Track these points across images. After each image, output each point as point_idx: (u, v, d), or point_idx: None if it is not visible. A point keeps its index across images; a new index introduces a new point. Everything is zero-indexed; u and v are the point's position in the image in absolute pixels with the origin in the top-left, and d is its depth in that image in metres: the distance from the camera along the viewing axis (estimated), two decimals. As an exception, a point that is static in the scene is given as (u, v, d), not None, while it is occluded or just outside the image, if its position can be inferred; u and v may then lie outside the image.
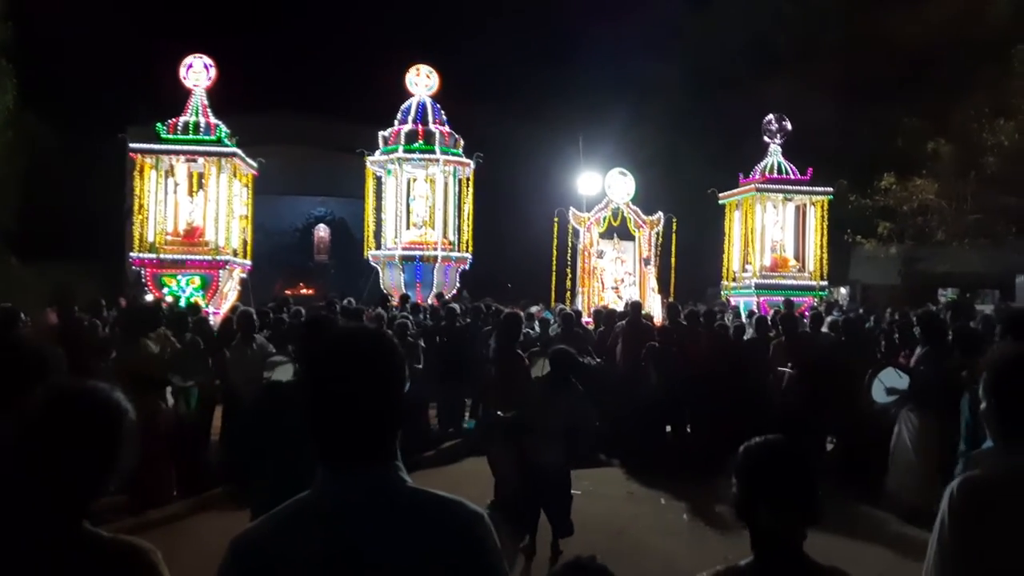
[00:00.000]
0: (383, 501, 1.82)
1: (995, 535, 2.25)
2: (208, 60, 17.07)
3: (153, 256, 16.17)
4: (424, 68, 20.21)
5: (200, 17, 41.00)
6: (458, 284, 20.00)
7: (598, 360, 11.44)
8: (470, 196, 20.18)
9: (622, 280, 18.39)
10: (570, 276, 18.42)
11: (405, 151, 19.33)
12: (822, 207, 19.01)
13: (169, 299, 15.17)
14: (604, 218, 18.08)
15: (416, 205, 19.91)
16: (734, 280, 19.30)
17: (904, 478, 8.14)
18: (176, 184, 16.87)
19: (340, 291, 22.10)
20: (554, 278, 18.99)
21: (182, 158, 16.73)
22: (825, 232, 19.11)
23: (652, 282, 18.14)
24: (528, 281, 24.50)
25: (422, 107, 19.91)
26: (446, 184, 19.72)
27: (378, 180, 20.25)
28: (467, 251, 20.10)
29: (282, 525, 1.84)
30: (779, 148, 19.03)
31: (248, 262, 17.60)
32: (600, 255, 18.13)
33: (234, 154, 16.52)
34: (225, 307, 15.60)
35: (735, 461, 2.27)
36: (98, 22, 31.34)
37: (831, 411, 9.58)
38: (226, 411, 9.49)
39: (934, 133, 27.05)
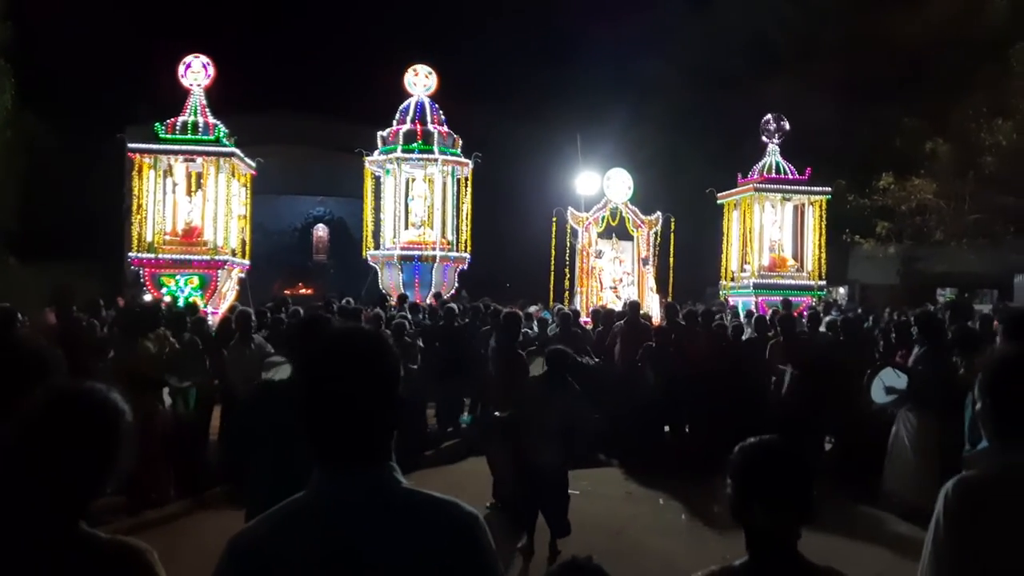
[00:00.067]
0: (379, 502, 1.83)
1: (990, 535, 2.25)
2: (206, 59, 17.05)
3: (152, 256, 16.15)
4: (423, 68, 20.20)
5: (199, 17, 40.99)
6: (456, 284, 19.99)
7: (596, 360, 11.45)
8: (469, 196, 20.18)
9: (620, 280, 18.40)
10: (568, 276, 18.43)
11: (404, 151, 19.32)
12: (820, 207, 19.01)
13: (167, 299, 15.16)
14: (602, 218, 18.08)
15: (415, 205, 19.90)
16: (732, 280, 19.30)
17: (903, 478, 8.15)
18: (175, 184, 16.86)
19: (339, 291, 22.11)
20: (552, 278, 19.00)
21: (180, 158, 16.71)
22: (823, 232, 19.11)
23: (650, 282, 18.15)
24: (526, 281, 24.51)
25: (421, 107, 19.90)
26: (444, 184, 19.71)
27: (377, 180, 20.25)
28: (465, 251, 20.10)
29: (279, 525, 1.84)
30: (777, 148, 19.02)
31: (246, 262, 17.59)
32: (599, 255, 18.13)
33: (232, 154, 16.51)
34: (224, 307, 15.60)
35: (730, 461, 2.28)
36: (97, 22, 31.36)
37: (829, 411, 9.60)
38: (224, 411, 9.49)
39: (932, 133, 27.07)
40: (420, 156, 19.42)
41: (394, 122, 20.01)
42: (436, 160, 19.38)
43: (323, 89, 44.94)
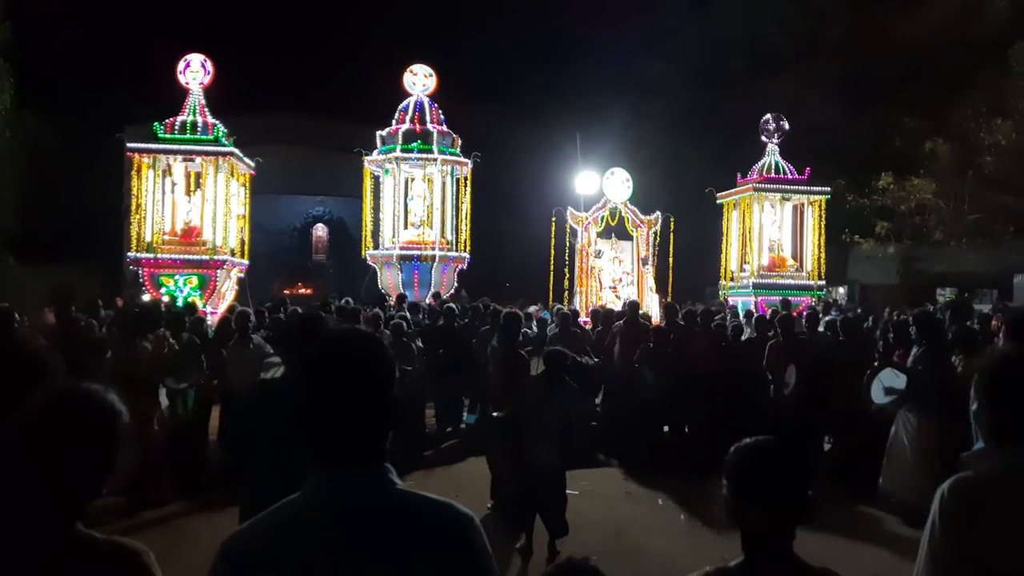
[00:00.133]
0: (375, 503, 1.83)
1: (987, 536, 2.24)
2: (205, 59, 17.05)
3: (151, 256, 16.15)
4: (422, 68, 20.19)
5: (199, 17, 40.99)
6: (456, 284, 19.99)
7: (596, 360, 11.45)
8: (468, 195, 20.17)
9: (620, 280, 18.40)
10: (568, 276, 18.43)
11: (403, 151, 19.31)
12: (820, 207, 19.02)
13: (166, 299, 15.16)
14: (602, 218, 18.08)
15: (414, 205, 19.89)
16: (732, 280, 19.30)
17: (902, 478, 8.14)
18: (173, 184, 16.86)
19: (338, 291, 22.11)
20: (552, 278, 19.00)
21: (179, 157, 16.71)
22: (823, 232, 19.12)
23: (650, 282, 18.16)
24: (526, 281, 24.51)
25: (420, 106, 19.88)
26: (444, 184, 19.70)
27: (376, 180, 20.24)
28: (465, 251, 20.09)
29: (274, 527, 1.84)
30: (777, 148, 19.02)
31: (245, 262, 17.59)
32: (598, 255, 18.13)
33: (231, 153, 16.51)
34: (223, 307, 15.60)
35: (725, 461, 2.27)
36: (96, 22, 31.37)
37: (829, 411, 9.59)
38: (223, 411, 9.49)
39: (932, 133, 27.09)
40: (419, 156, 19.41)
41: (393, 122, 20.00)
42: (435, 160, 19.37)
43: (322, 89, 44.96)
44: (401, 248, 19.26)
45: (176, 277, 16.09)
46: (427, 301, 16.52)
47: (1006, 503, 2.27)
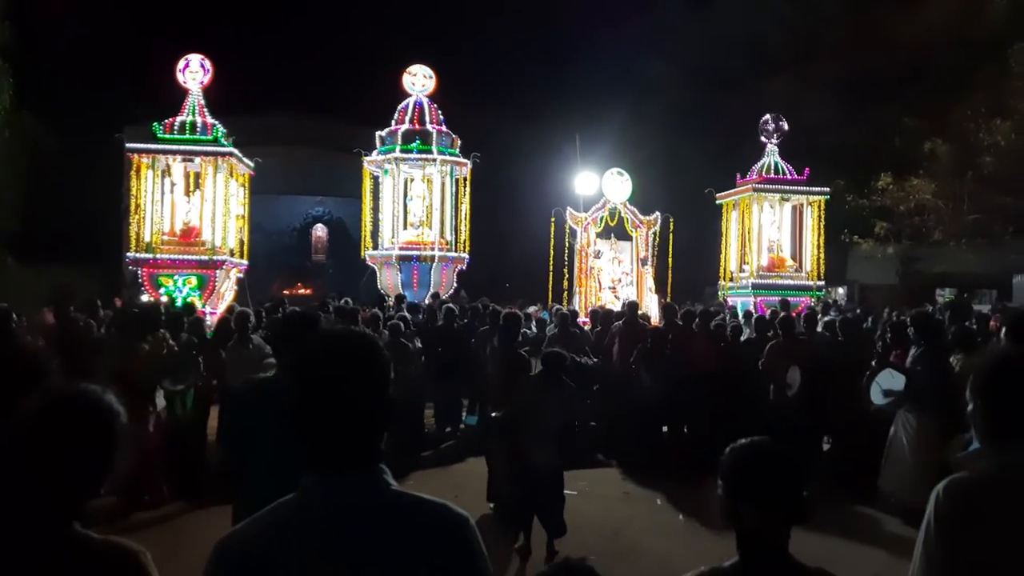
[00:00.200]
0: (370, 504, 1.83)
1: (982, 537, 2.24)
2: (204, 59, 17.05)
3: (150, 256, 16.15)
4: (421, 68, 20.18)
5: (198, 17, 41.01)
6: (455, 284, 19.99)
7: (595, 360, 11.45)
8: (467, 196, 20.16)
9: (619, 280, 18.40)
10: (567, 276, 18.43)
11: (402, 151, 19.30)
12: (819, 207, 19.02)
13: (165, 299, 15.16)
14: (601, 218, 18.08)
15: (413, 205, 19.87)
16: (731, 280, 19.30)
17: (901, 478, 8.14)
18: (173, 184, 16.85)
19: (338, 291, 22.11)
20: (551, 278, 18.99)
21: (178, 158, 16.70)
22: (822, 232, 19.12)
23: (649, 282, 18.16)
24: (525, 281, 24.51)
25: (419, 107, 19.88)
26: (443, 184, 19.69)
27: (375, 180, 20.24)
28: (464, 251, 20.08)
29: (268, 528, 1.83)
30: (776, 148, 19.02)
31: (245, 262, 17.59)
32: (597, 255, 18.13)
33: (230, 154, 16.51)
34: (222, 307, 15.59)
35: (721, 462, 2.27)
36: (96, 22, 31.36)
37: (829, 411, 9.59)
38: (222, 411, 9.48)
39: (931, 133, 27.11)
40: (419, 156, 19.40)
41: (393, 122, 19.99)
42: (435, 160, 19.36)
43: (322, 89, 45.02)
44: (400, 248, 19.25)
45: (175, 277, 16.09)
46: (426, 301, 16.53)
47: (1001, 503, 2.27)
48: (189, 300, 14.72)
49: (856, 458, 9.16)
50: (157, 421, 8.11)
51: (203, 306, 15.13)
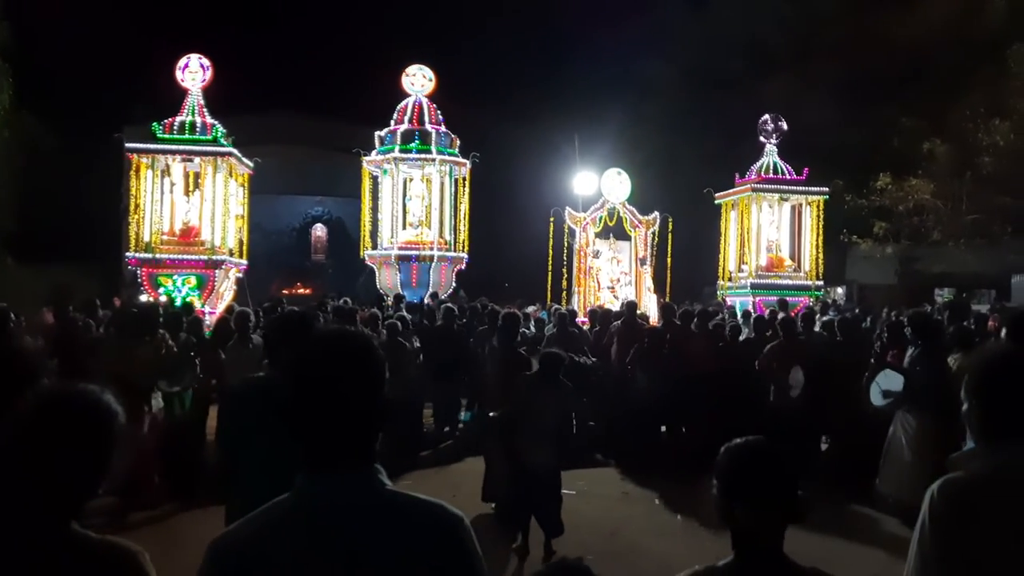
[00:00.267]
0: (365, 504, 1.83)
1: (977, 537, 2.25)
2: (204, 59, 17.04)
3: (149, 256, 16.14)
4: (421, 68, 20.19)
5: (198, 17, 41.00)
6: (454, 284, 19.99)
7: (593, 360, 11.45)
8: (466, 196, 20.16)
9: (618, 280, 18.40)
10: (566, 276, 18.44)
11: (401, 151, 19.30)
12: (818, 207, 19.02)
13: (164, 299, 15.15)
14: (600, 218, 18.08)
15: (412, 205, 19.86)
16: (730, 280, 19.30)
17: (899, 479, 8.14)
18: (172, 184, 16.85)
19: (337, 291, 22.11)
20: (550, 278, 19.00)
21: (178, 158, 16.69)
22: (821, 232, 19.12)
23: (648, 282, 18.17)
24: (524, 281, 24.52)
25: (418, 107, 19.88)
26: (442, 184, 19.69)
27: (374, 180, 20.24)
28: (463, 251, 20.08)
29: (263, 527, 1.83)
30: (775, 148, 19.03)
31: (244, 262, 17.58)
32: (596, 255, 18.14)
33: (230, 154, 16.50)
34: (221, 307, 15.59)
35: (716, 461, 2.28)
36: (95, 22, 31.35)
37: (828, 411, 9.59)
38: (220, 411, 9.47)
39: (930, 133, 27.12)
40: (418, 156, 19.40)
41: (392, 122, 20.00)
42: (434, 160, 19.36)
43: (321, 89, 45.04)
44: (399, 248, 19.25)
45: (174, 277, 16.08)
46: (425, 301, 16.53)
47: (996, 503, 2.27)
48: (188, 300, 14.73)
49: (854, 458, 9.16)
50: (153, 422, 8.09)
51: (202, 306, 15.13)
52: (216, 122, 16.71)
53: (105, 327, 10.91)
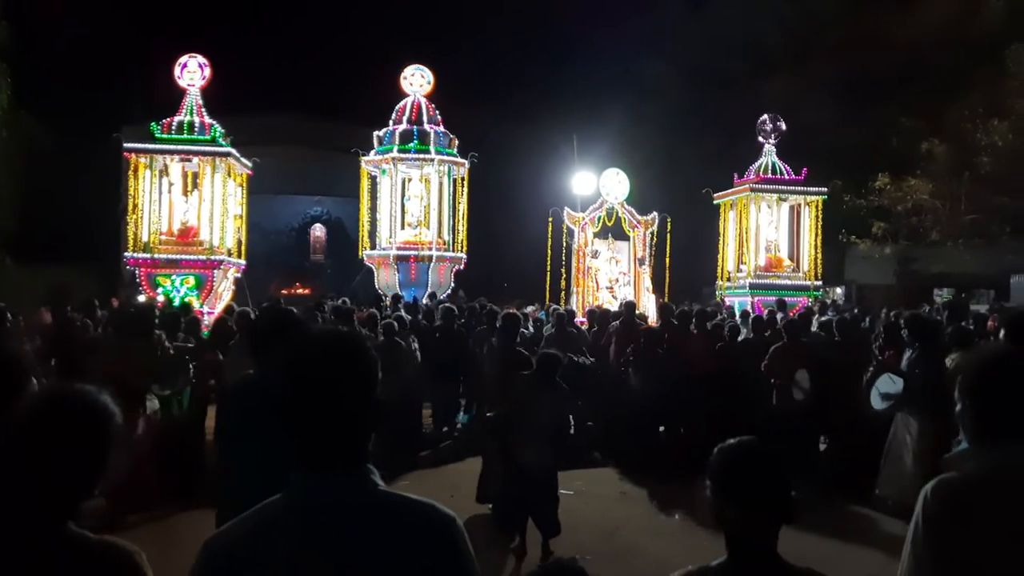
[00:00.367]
0: (358, 504, 1.83)
1: (971, 537, 2.25)
2: (202, 59, 17.05)
3: (148, 256, 16.15)
4: (419, 68, 20.21)
5: (196, 17, 40.97)
6: (453, 284, 20.00)
7: (592, 360, 11.44)
8: (465, 196, 20.18)
9: (617, 280, 18.40)
10: (565, 276, 18.45)
11: (400, 151, 19.31)
12: (816, 207, 19.04)
13: (161, 299, 15.15)
14: (599, 218, 18.08)
15: (411, 205, 19.88)
16: (729, 280, 19.31)
17: (899, 480, 8.14)
18: (170, 184, 16.85)
19: (337, 291, 22.11)
20: (549, 278, 19.00)
21: (176, 158, 16.70)
22: (819, 232, 19.14)
23: (647, 282, 18.17)
24: (523, 281, 24.52)
25: (417, 107, 19.89)
26: (441, 184, 19.70)
27: (373, 180, 20.25)
28: (462, 251, 20.10)
29: (256, 527, 1.84)
30: (774, 148, 19.04)
31: (242, 262, 17.59)
32: (595, 255, 18.13)
33: (228, 154, 16.51)
34: (220, 307, 15.60)
35: (709, 462, 2.28)
36: (94, 22, 31.32)
37: (828, 412, 9.58)
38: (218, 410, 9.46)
39: (928, 133, 27.15)
40: (416, 156, 19.41)
41: (390, 122, 20.01)
42: (432, 160, 19.37)
43: (320, 89, 44.96)
44: (398, 248, 19.26)
45: (173, 277, 16.08)
46: (424, 301, 16.54)
47: (990, 503, 2.27)
48: (186, 300, 14.73)
49: (853, 458, 9.16)
50: (147, 424, 8.05)
51: (201, 306, 15.13)
52: (214, 122, 16.72)
53: (103, 327, 10.91)
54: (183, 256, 16.20)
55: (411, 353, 10.77)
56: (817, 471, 9.20)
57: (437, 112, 20.06)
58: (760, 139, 19.14)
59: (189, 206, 16.79)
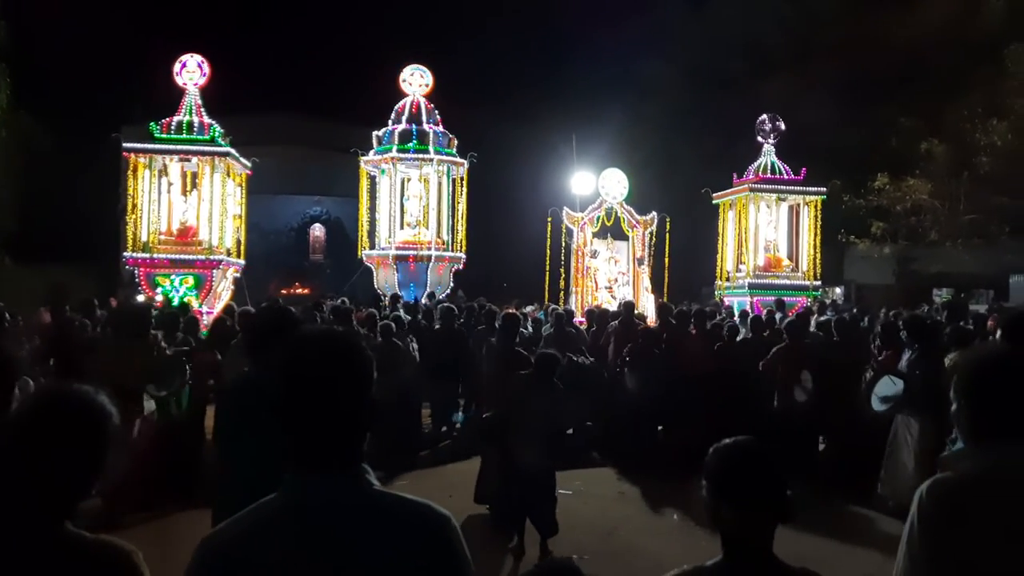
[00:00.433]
0: (353, 504, 1.83)
1: (967, 537, 2.25)
2: (201, 59, 17.05)
3: (147, 256, 16.16)
4: (418, 68, 20.21)
5: (195, 17, 40.95)
6: (452, 284, 20.00)
7: (591, 360, 11.44)
8: (464, 195, 20.19)
9: (616, 280, 18.40)
10: (564, 276, 18.45)
11: (399, 151, 19.32)
12: (816, 207, 19.05)
13: (160, 299, 15.15)
14: (598, 218, 18.09)
15: (410, 205, 19.89)
16: (728, 280, 19.32)
17: (905, 482, 8.12)
18: (170, 183, 16.86)
19: (334, 290, 22.10)
20: (548, 278, 19.01)
21: (175, 157, 16.71)
22: (819, 232, 19.15)
23: (646, 282, 18.17)
24: (522, 281, 24.51)
25: (416, 107, 19.90)
26: (440, 184, 19.71)
27: (372, 180, 20.26)
28: (461, 251, 20.11)
29: (252, 527, 1.84)
30: (773, 148, 19.06)
31: (241, 261, 17.60)
32: (594, 255, 18.14)
33: (227, 153, 16.52)
34: (219, 307, 15.60)
35: (704, 462, 2.28)
36: (93, 22, 31.29)
37: (827, 412, 9.57)
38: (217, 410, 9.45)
39: (928, 133, 27.17)
40: (415, 156, 19.42)
41: (389, 122, 20.02)
42: (431, 160, 19.37)
43: (319, 89, 44.92)
44: (397, 248, 19.26)
45: (172, 277, 16.09)
46: (423, 301, 16.54)
47: (986, 503, 2.27)
48: (185, 300, 14.73)
49: (851, 459, 9.16)
50: (143, 425, 8.05)
51: (200, 306, 15.14)
52: (214, 122, 16.73)
53: (102, 327, 10.90)
54: (182, 256, 16.22)
55: (409, 354, 10.77)
56: (816, 471, 9.19)
57: (436, 112, 20.07)
58: (759, 139, 19.15)
59: (188, 206, 16.80)
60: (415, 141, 19.32)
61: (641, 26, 33.88)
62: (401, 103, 20.05)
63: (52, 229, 29.98)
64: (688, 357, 10.49)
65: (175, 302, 14.35)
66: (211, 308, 15.63)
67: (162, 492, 8.22)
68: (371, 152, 19.99)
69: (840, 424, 9.53)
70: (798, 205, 19.13)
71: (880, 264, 29.96)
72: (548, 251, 18.80)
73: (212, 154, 16.40)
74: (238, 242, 17.60)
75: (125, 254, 16.80)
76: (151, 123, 16.64)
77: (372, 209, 20.22)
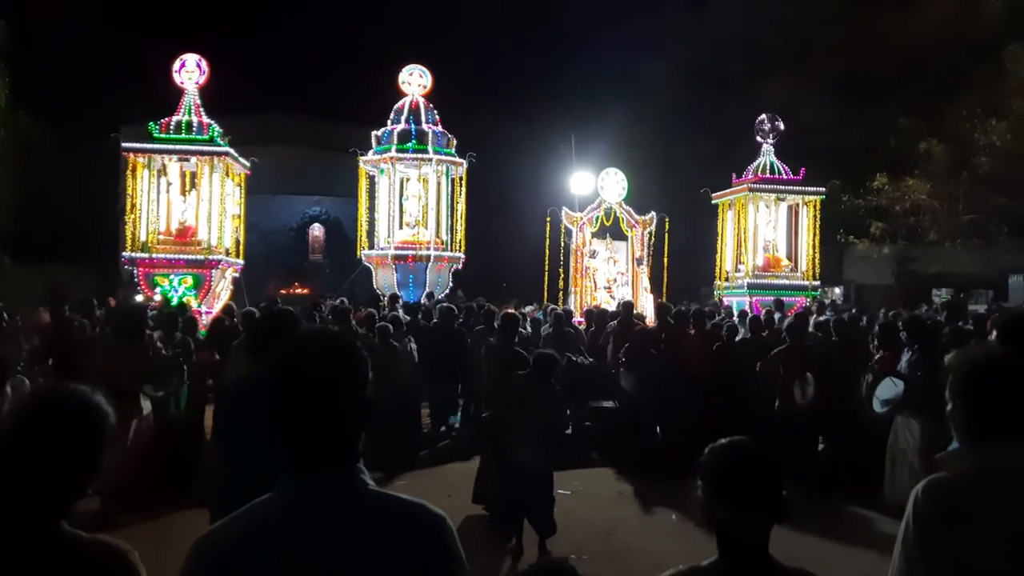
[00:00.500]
0: (348, 504, 1.83)
1: (962, 537, 2.25)
2: (200, 58, 17.06)
3: (146, 255, 16.17)
4: (417, 68, 20.20)
5: (194, 17, 40.95)
6: (451, 284, 20.00)
7: (590, 360, 11.45)
8: (463, 195, 20.17)
9: (615, 280, 18.40)
10: (563, 276, 18.45)
11: (398, 151, 19.30)
12: (815, 207, 19.06)
13: (158, 299, 15.15)
14: (597, 218, 18.08)
15: (409, 205, 19.86)
16: (727, 280, 19.33)
17: (902, 480, 8.13)
18: (168, 183, 16.88)
19: (335, 291, 22.09)
20: (547, 278, 19.00)
21: (174, 157, 16.73)
22: (818, 232, 19.16)
23: (645, 282, 18.17)
24: (521, 281, 24.51)
25: (415, 107, 19.88)
26: (439, 184, 19.69)
27: (371, 180, 20.25)
28: (460, 251, 20.09)
29: (247, 527, 1.84)
30: (772, 148, 19.07)
31: (240, 261, 17.60)
32: (593, 255, 18.14)
33: (226, 153, 16.53)
34: (218, 307, 15.60)
35: (700, 462, 2.28)
36: (92, 21, 31.30)
37: (827, 412, 9.57)
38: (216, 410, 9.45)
39: (926, 133, 27.16)
40: (415, 156, 19.40)
41: (389, 122, 20.00)
42: (431, 160, 19.35)
43: (318, 89, 44.90)
44: (396, 248, 19.25)
45: (171, 277, 16.11)
46: (422, 301, 16.53)
47: (980, 504, 2.27)
48: (184, 300, 14.73)
49: (851, 459, 9.16)
50: (139, 426, 8.04)
51: (199, 305, 15.14)
52: (212, 122, 16.74)
53: (100, 327, 10.91)
54: (181, 256, 16.24)
55: (407, 355, 10.75)
56: (815, 472, 9.19)
57: (435, 112, 20.06)
58: (758, 139, 19.16)
59: (187, 206, 16.81)
60: (414, 141, 19.30)
61: (640, 26, 33.89)
62: (400, 103, 20.03)
63: (51, 229, 29.96)
64: (687, 357, 10.49)
65: (174, 302, 14.35)
66: (210, 308, 15.63)
67: (159, 492, 8.22)
68: (370, 152, 19.97)
69: (839, 424, 9.53)
70: (797, 205, 19.14)
71: (879, 264, 29.96)
72: (547, 251, 18.80)
73: (211, 154, 16.41)
74: (237, 242, 17.60)
75: (124, 254, 16.81)
76: (150, 123, 16.66)
77: (371, 209, 20.20)
